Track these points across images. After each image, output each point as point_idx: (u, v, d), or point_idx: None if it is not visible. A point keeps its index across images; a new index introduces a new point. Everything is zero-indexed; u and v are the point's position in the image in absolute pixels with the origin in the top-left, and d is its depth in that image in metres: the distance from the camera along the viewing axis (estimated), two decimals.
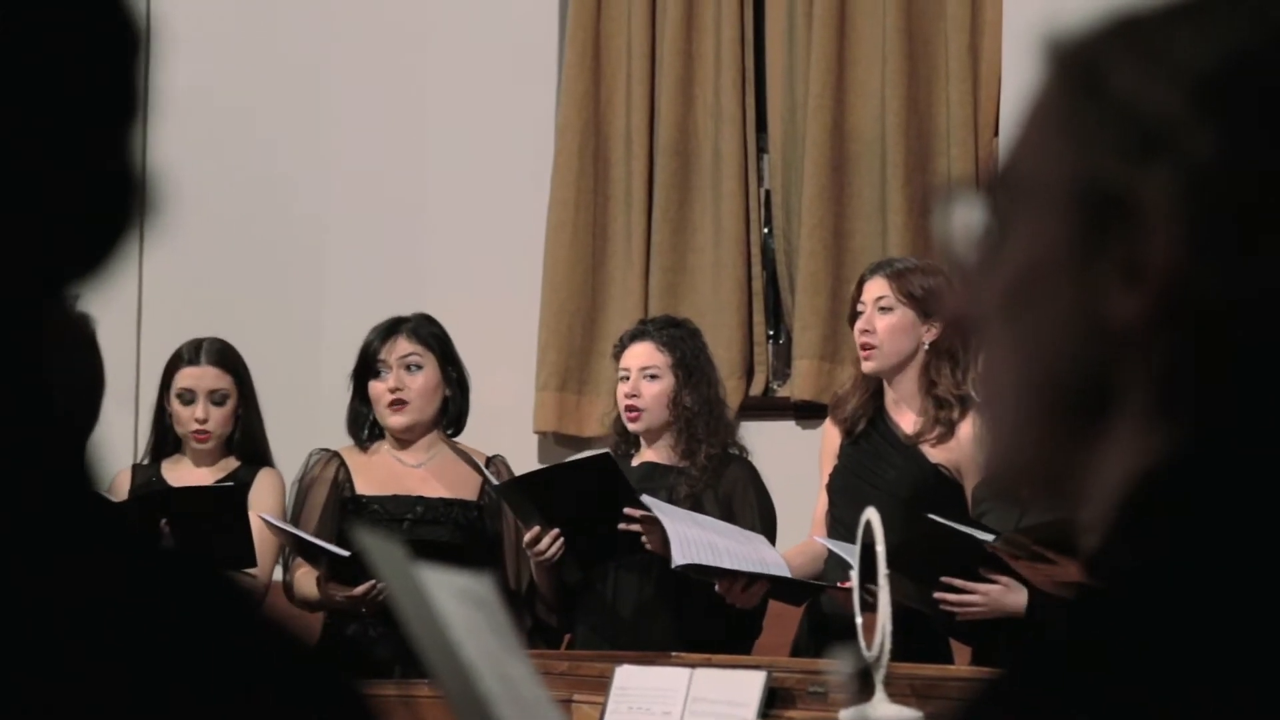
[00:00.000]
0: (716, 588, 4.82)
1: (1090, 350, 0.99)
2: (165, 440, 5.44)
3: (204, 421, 5.34)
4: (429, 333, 5.31)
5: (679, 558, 4.69)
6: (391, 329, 5.31)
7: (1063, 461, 1.02)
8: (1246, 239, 0.97)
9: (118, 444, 5.57)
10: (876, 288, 4.92)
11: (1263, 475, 0.97)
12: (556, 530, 4.98)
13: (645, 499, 4.86)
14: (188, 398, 5.36)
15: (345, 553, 4.92)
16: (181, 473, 5.38)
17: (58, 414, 0.88)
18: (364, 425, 5.36)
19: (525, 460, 5.73)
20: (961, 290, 1.06)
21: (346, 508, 5.27)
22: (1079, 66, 1.01)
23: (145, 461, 5.46)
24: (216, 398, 5.36)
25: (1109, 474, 1.00)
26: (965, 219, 1.05)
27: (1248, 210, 0.97)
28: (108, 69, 0.90)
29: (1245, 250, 0.97)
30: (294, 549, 5.19)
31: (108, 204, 0.90)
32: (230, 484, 5.23)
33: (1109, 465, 1.00)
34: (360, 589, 4.98)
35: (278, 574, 5.33)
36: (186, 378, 5.36)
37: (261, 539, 5.13)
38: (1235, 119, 0.97)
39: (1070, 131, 1.00)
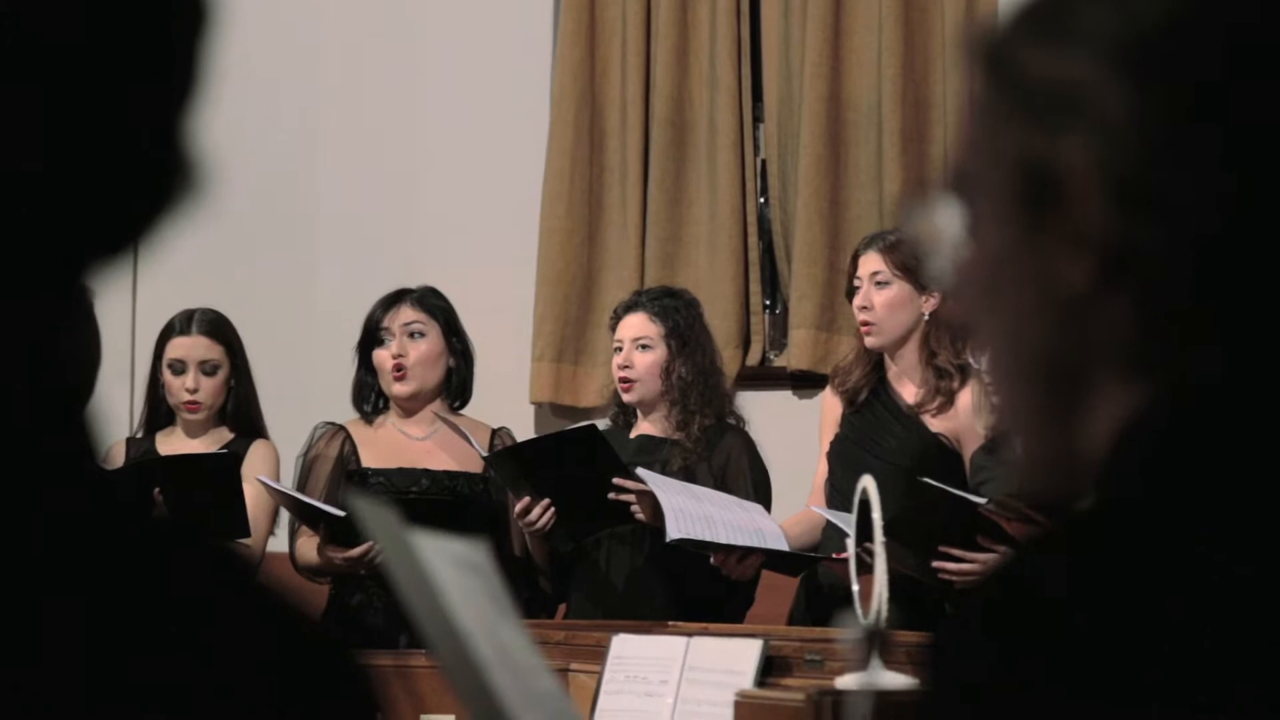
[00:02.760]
0: (712, 560, 4.82)
1: (1058, 325, 1.02)
2: (159, 413, 5.44)
3: (194, 392, 5.34)
4: (433, 303, 5.34)
5: (673, 531, 4.70)
6: (396, 298, 5.34)
7: (1059, 438, 1.04)
8: (1175, 189, 0.99)
9: (112, 417, 5.57)
10: (871, 263, 4.92)
11: (1235, 417, 0.99)
12: (547, 500, 4.99)
13: (640, 472, 4.86)
14: (179, 368, 5.36)
15: (340, 512, 4.94)
16: (175, 445, 5.38)
17: (60, 387, 0.87)
18: (369, 396, 5.38)
19: (522, 431, 5.73)
20: (950, 292, 1.11)
21: (352, 481, 5.28)
22: (991, 57, 1.05)
23: (139, 435, 5.46)
24: (207, 368, 5.36)
25: (1098, 439, 1.02)
26: (942, 222, 1.10)
27: (1168, 160, 0.99)
28: (168, 47, 0.89)
29: (1176, 200, 0.99)
30: (293, 513, 5.21)
31: (148, 184, 0.89)
32: (223, 452, 5.23)
33: (1097, 431, 1.02)
34: (357, 550, 5.00)
35: (274, 546, 5.34)
36: (177, 348, 5.36)
37: (255, 509, 5.14)
38: (1144, 76, 1.00)
39: (997, 120, 1.04)
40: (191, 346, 5.36)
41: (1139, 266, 0.99)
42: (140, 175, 0.89)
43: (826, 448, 5.06)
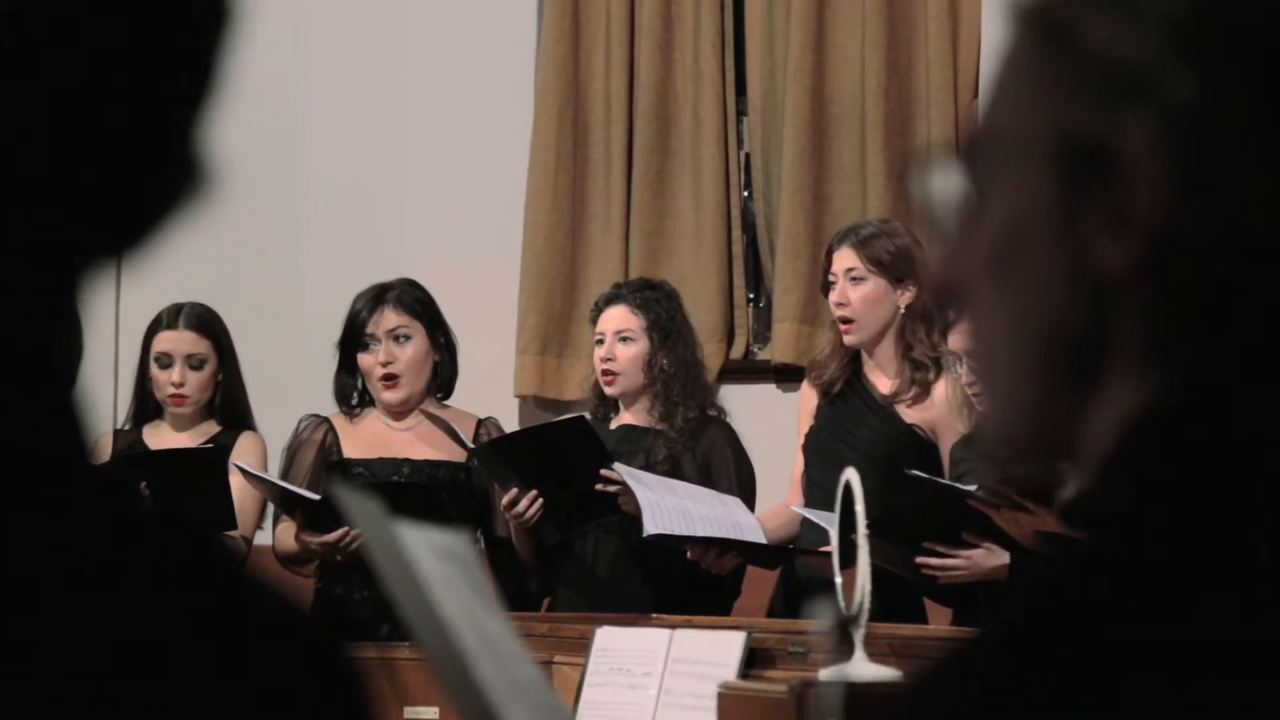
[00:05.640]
0: (689, 555, 4.82)
1: (1080, 303, 0.99)
2: (146, 405, 5.45)
3: (180, 386, 5.34)
4: (415, 300, 5.30)
5: (650, 527, 4.69)
6: (377, 299, 5.28)
7: (1060, 417, 1.01)
8: (1231, 178, 0.96)
9: (96, 411, 5.56)
10: (845, 259, 4.92)
11: (1254, 419, 0.96)
12: (534, 491, 4.98)
13: (619, 467, 4.85)
14: (165, 362, 5.37)
15: (315, 496, 4.95)
16: (162, 437, 5.38)
17: (51, 380, 0.88)
18: (351, 395, 5.36)
19: (506, 424, 5.74)
20: (944, 256, 1.05)
21: (333, 470, 5.27)
22: (1049, 23, 1.01)
23: (127, 427, 5.46)
24: (194, 362, 5.36)
25: (1103, 426, 0.99)
26: (945, 184, 1.05)
27: (1229, 149, 0.96)
28: (185, 48, 0.89)
29: (1231, 189, 0.96)
30: (272, 500, 5.21)
31: (153, 183, 0.89)
32: (209, 446, 5.24)
33: (1103, 418, 0.99)
34: (333, 536, 5.01)
35: (262, 539, 5.34)
36: (164, 342, 5.37)
37: (243, 501, 5.14)
38: (1211, 60, 0.97)
39: (1045, 87, 1.00)
40: (178, 341, 5.36)
41: (1182, 255, 0.96)
42: (144, 176, 0.88)
43: (802, 440, 5.06)
